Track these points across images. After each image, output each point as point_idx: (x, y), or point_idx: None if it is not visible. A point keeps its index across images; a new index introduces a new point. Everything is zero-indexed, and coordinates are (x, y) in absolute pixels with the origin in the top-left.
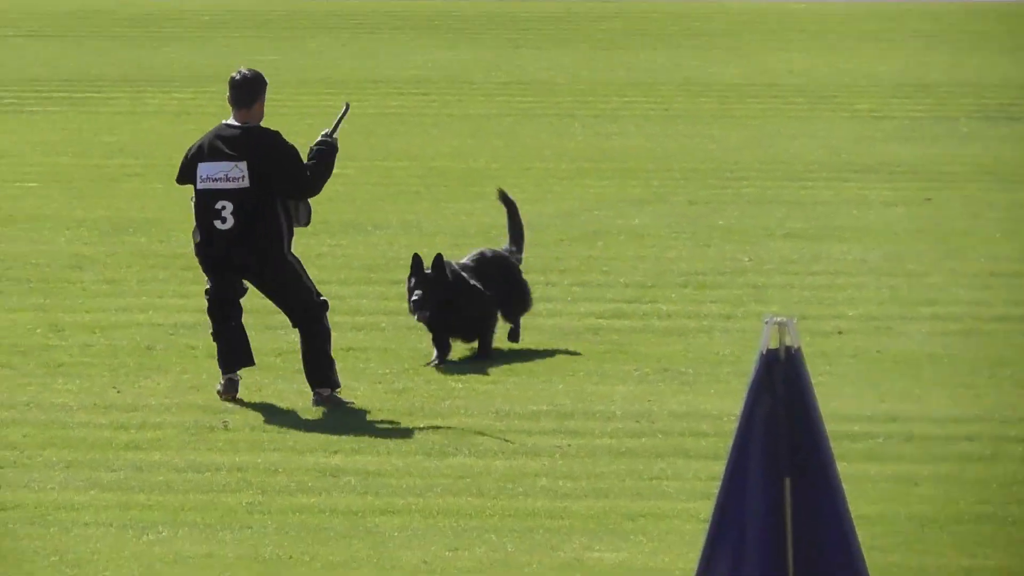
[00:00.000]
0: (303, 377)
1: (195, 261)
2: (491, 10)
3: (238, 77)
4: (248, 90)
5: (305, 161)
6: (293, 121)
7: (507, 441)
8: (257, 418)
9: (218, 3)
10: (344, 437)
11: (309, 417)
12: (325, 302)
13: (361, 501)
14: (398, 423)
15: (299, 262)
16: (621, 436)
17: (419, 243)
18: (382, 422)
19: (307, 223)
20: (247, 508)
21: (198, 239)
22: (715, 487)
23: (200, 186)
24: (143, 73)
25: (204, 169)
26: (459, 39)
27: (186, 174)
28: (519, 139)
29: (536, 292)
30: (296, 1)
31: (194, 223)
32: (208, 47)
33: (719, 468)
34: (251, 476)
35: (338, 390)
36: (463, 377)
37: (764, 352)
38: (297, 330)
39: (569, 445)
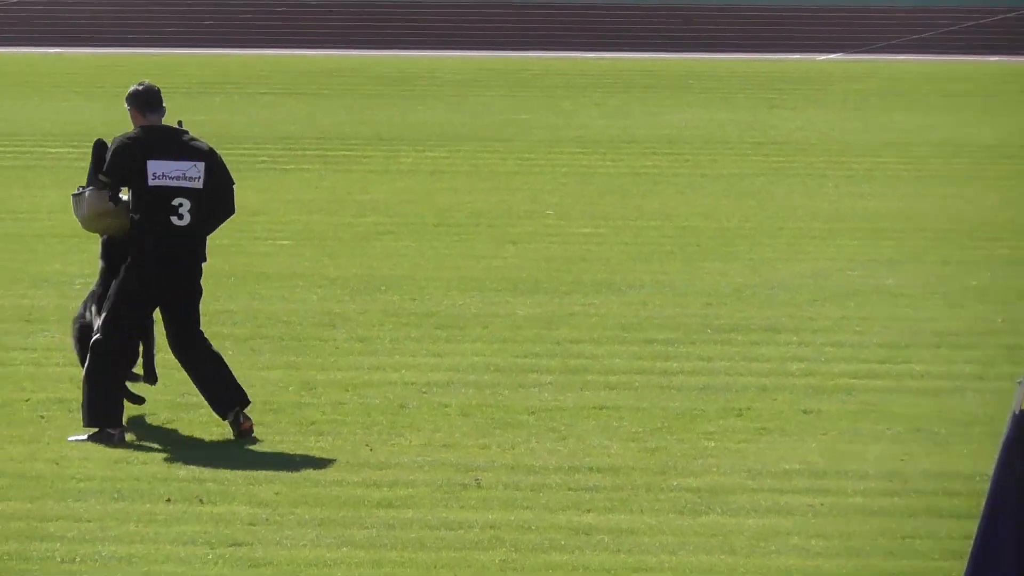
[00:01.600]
0: (554, 435)
1: (449, 320)
2: (745, 70)
3: (146, 86)
4: (159, 95)
5: None
6: (545, 180)
7: (759, 499)
8: (509, 476)
9: (472, 63)
10: (596, 495)
11: (561, 475)
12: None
13: (613, 559)
14: (650, 481)
15: None
16: (873, 495)
17: (672, 302)
18: (634, 480)
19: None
20: (500, 566)
21: (147, 240)
22: (968, 547)
23: (154, 183)
24: (396, 132)
25: (159, 166)
26: (712, 99)
27: (124, 172)
28: (772, 198)
29: (788, 352)
30: (550, 61)
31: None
32: (462, 106)
33: (972, 528)
34: (503, 534)
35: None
36: (715, 435)
37: (1017, 412)
38: (185, 355)
39: (821, 504)
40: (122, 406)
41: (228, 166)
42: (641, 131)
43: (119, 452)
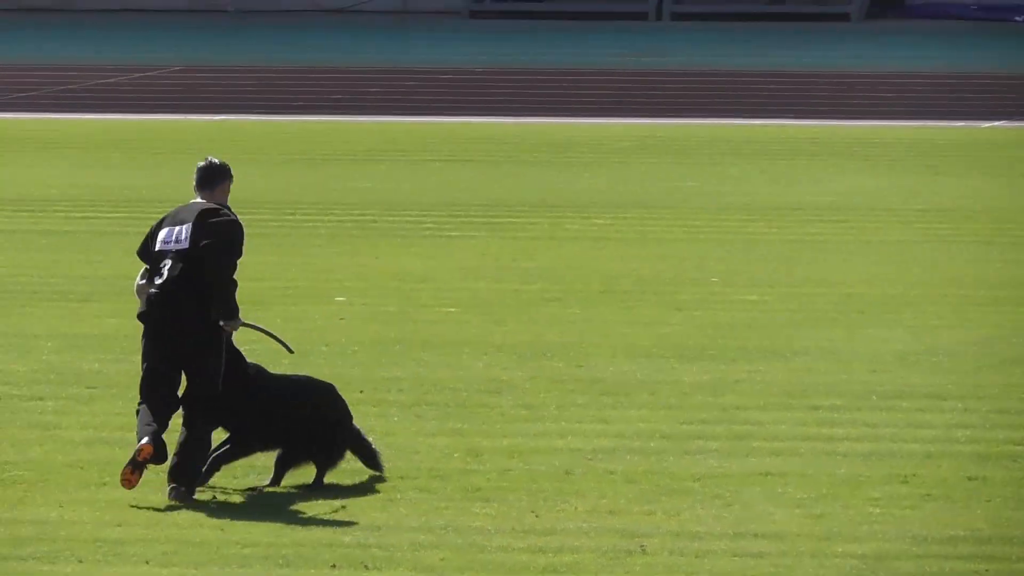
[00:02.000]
0: (719, 502)
1: (615, 386)
2: (910, 136)
3: (204, 164)
4: (212, 174)
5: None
6: (711, 247)
7: (925, 566)
8: (674, 542)
9: (637, 129)
10: (761, 562)
11: (726, 542)
12: (210, 415)
13: None
14: (815, 548)
15: (232, 357)
16: None
17: (836, 369)
18: (799, 547)
19: (222, 319)
20: None
21: (142, 303)
22: None
23: (157, 248)
24: (562, 199)
25: (162, 234)
26: (878, 165)
27: (146, 247)
28: (937, 265)
29: (953, 418)
30: (716, 128)
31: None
32: (627, 173)
33: None
34: None
35: (193, 491)
36: (880, 501)
37: None
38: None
39: (987, 570)
40: (147, 430)
41: (235, 234)
42: (806, 198)
43: (283, 517)
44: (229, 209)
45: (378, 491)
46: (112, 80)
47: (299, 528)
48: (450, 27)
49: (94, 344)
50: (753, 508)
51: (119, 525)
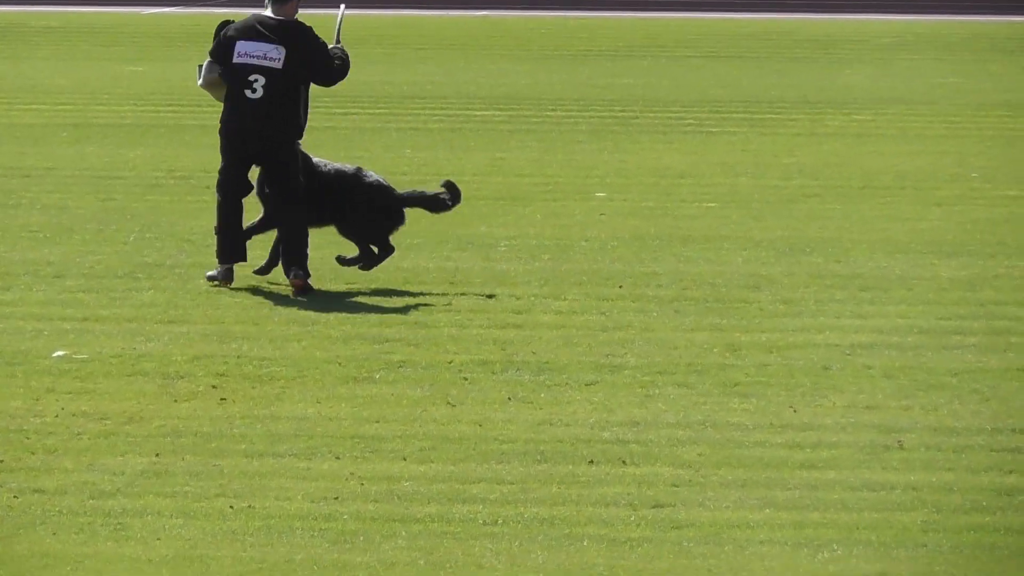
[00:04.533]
0: (977, 397)
1: (873, 282)
2: None
3: None
4: None
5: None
6: (972, 143)
7: None
8: (932, 437)
9: (899, 25)
10: (1019, 456)
11: (984, 437)
12: (301, 201)
13: None
14: None
15: (305, 158)
16: None
17: None
18: None
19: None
20: (921, 527)
21: (225, 114)
22: None
23: (236, 60)
24: (822, 95)
25: (243, 46)
26: None
27: (221, 50)
28: None
29: None
30: (976, 25)
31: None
32: (888, 69)
33: None
34: (925, 495)
35: (309, 279)
36: None
37: None
38: (276, 214)
39: None
40: (232, 243)
41: (319, 42)
42: None
43: (540, 414)
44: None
45: (637, 386)
46: None
47: (557, 424)
48: None
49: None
50: (1011, 403)
51: (377, 421)
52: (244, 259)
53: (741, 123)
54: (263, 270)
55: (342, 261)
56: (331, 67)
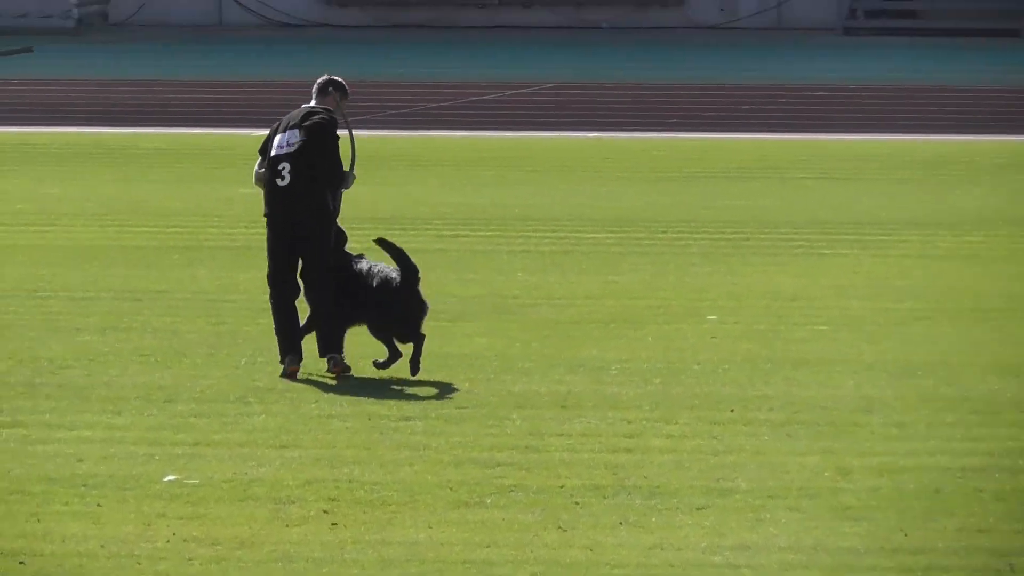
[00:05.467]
0: None
1: (984, 404)
2: None
3: (325, 77)
4: (327, 83)
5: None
6: None
7: None
8: None
9: (1010, 145)
10: None
11: None
12: (328, 277)
13: None
14: None
15: (340, 234)
16: None
17: None
18: None
19: (335, 188)
20: None
21: (264, 205)
22: None
23: (272, 153)
24: (933, 216)
25: (278, 139)
26: None
27: (264, 146)
28: None
29: None
30: None
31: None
32: (999, 190)
33: None
34: None
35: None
36: None
37: None
38: (307, 294)
39: None
40: (289, 342)
41: (330, 126)
42: None
43: (652, 538)
44: (329, 110)
45: (748, 510)
46: (486, 97)
47: (668, 549)
48: (823, 43)
49: (464, 364)
50: None
51: (488, 546)
52: (299, 358)
53: (852, 245)
54: (384, 364)
55: (378, 366)
56: (333, 169)
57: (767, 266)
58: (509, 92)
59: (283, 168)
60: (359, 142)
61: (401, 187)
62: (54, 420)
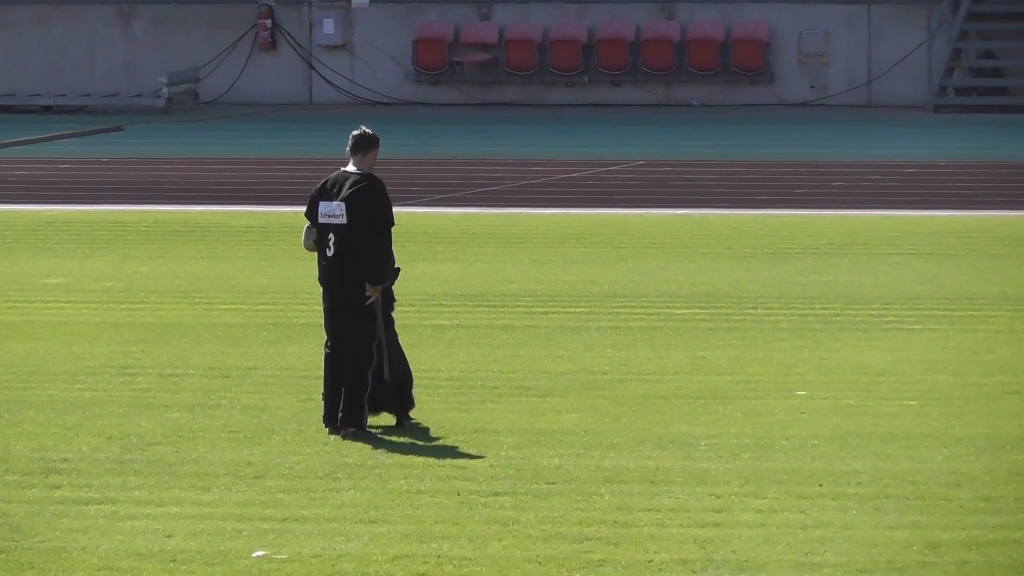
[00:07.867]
0: None
1: None
2: None
3: (359, 132)
4: (365, 142)
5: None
6: None
7: None
8: None
9: None
10: None
11: None
12: (372, 355)
13: None
14: None
15: (384, 307)
16: None
17: None
18: None
19: (369, 281)
20: None
21: (320, 270)
22: None
23: (320, 221)
24: (1022, 291)
25: (322, 207)
26: None
27: (310, 212)
28: None
29: None
30: None
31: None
32: None
33: None
34: None
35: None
36: None
37: None
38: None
39: None
40: (332, 413)
41: (384, 206)
42: None
43: None
44: (372, 175)
45: (788, 569)
46: (576, 174)
47: None
48: (914, 120)
49: (554, 439)
50: None
51: None
52: (336, 427)
53: (941, 320)
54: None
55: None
56: (381, 232)
57: (856, 341)
58: (599, 169)
59: (330, 239)
60: (433, 221)
61: (491, 264)
62: (143, 496)
